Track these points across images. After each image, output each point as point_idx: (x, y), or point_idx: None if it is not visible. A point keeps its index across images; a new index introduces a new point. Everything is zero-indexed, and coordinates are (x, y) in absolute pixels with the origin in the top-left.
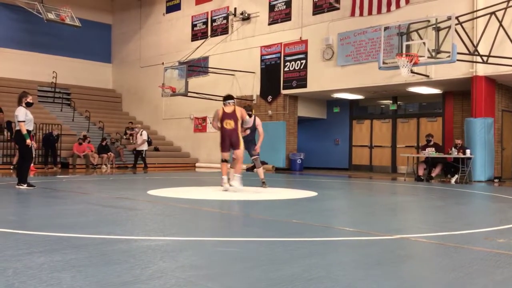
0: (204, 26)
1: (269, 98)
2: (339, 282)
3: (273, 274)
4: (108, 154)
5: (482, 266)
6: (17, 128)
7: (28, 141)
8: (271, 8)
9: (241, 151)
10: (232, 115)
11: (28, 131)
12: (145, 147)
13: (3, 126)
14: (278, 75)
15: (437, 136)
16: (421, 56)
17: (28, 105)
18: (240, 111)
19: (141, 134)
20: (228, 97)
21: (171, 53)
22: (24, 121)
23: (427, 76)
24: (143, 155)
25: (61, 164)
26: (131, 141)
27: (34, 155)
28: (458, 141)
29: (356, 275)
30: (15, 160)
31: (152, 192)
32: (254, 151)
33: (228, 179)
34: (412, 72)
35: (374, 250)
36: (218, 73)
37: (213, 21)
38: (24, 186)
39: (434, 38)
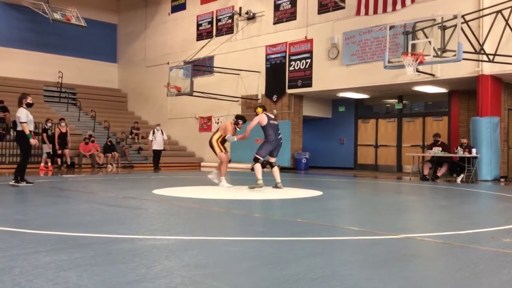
0: (209, 25)
1: (274, 98)
2: (344, 281)
3: (278, 273)
4: (113, 153)
5: (488, 265)
6: (18, 128)
7: (31, 140)
8: (276, 7)
9: (218, 156)
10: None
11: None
12: (163, 146)
13: (9, 126)
14: (283, 74)
15: (442, 135)
16: (426, 55)
17: (29, 105)
18: (223, 126)
19: (162, 133)
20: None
21: (177, 52)
22: (26, 122)
23: (433, 75)
24: (159, 155)
25: (67, 164)
26: (136, 141)
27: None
28: (464, 140)
29: (361, 275)
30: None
31: (157, 191)
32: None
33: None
34: (417, 71)
35: (380, 249)
36: (223, 73)
37: (218, 20)
38: (13, 182)
39: (439, 37)
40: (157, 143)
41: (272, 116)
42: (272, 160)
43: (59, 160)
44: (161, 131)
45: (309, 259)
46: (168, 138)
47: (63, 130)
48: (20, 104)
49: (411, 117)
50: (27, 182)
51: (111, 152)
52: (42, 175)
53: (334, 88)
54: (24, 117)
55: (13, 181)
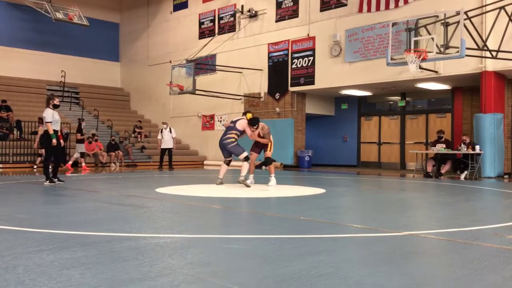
0: (212, 23)
1: (277, 96)
2: (347, 278)
3: (281, 271)
4: (117, 152)
5: (491, 262)
6: (45, 128)
7: (54, 140)
8: (278, 5)
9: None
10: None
11: (55, 131)
12: (172, 144)
13: (13, 125)
14: (286, 72)
15: (446, 132)
16: (429, 52)
17: (55, 106)
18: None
19: (170, 132)
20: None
21: (179, 51)
22: (51, 122)
23: (436, 71)
24: (171, 154)
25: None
26: (139, 140)
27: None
28: (465, 137)
29: (364, 272)
30: (38, 160)
31: (160, 190)
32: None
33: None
34: (420, 68)
35: (383, 246)
36: (225, 71)
37: (220, 18)
38: (47, 182)
39: (442, 33)
40: (165, 141)
41: (235, 119)
42: (228, 158)
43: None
44: (170, 129)
45: (312, 257)
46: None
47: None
48: (47, 105)
49: (414, 114)
50: (59, 180)
51: (114, 151)
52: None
53: (337, 85)
54: (49, 117)
55: (47, 182)
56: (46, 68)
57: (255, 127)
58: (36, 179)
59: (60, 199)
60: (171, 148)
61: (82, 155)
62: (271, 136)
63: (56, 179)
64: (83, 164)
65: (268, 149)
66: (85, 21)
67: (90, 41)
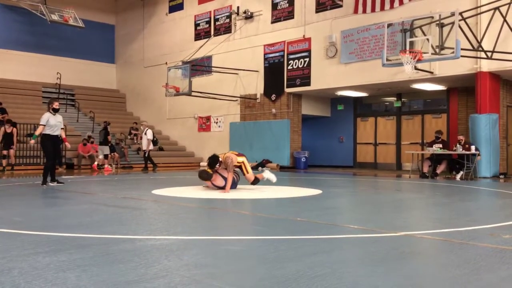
0: (207, 25)
1: (273, 97)
2: (343, 279)
3: (277, 272)
4: (113, 154)
5: (487, 262)
6: (44, 132)
7: (32, 141)
8: (274, 6)
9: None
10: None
11: (54, 136)
12: (150, 146)
13: None
14: (282, 73)
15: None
16: (425, 53)
17: (55, 110)
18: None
19: (145, 133)
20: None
21: (175, 52)
22: (44, 125)
23: (431, 72)
24: (146, 155)
25: (66, 165)
26: (135, 141)
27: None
28: (461, 137)
29: (360, 272)
30: (4, 162)
31: (156, 191)
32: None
33: None
34: (416, 68)
35: (379, 247)
36: (221, 72)
37: (216, 20)
38: (54, 184)
39: (437, 34)
40: (143, 144)
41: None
42: None
43: (4, 162)
44: (145, 131)
45: (309, 258)
46: (153, 138)
47: (8, 131)
48: (48, 109)
49: (410, 115)
50: (58, 182)
51: (110, 153)
52: (106, 175)
53: (333, 86)
54: (44, 120)
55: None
56: (42, 70)
57: (217, 166)
58: (32, 182)
59: (56, 201)
60: (144, 150)
61: (106, 156)
62: (233, 162)
63: (55, 182)
64: (106, 165)
65: (245, 172)
66: (81, 23)
67: (86, 43)
